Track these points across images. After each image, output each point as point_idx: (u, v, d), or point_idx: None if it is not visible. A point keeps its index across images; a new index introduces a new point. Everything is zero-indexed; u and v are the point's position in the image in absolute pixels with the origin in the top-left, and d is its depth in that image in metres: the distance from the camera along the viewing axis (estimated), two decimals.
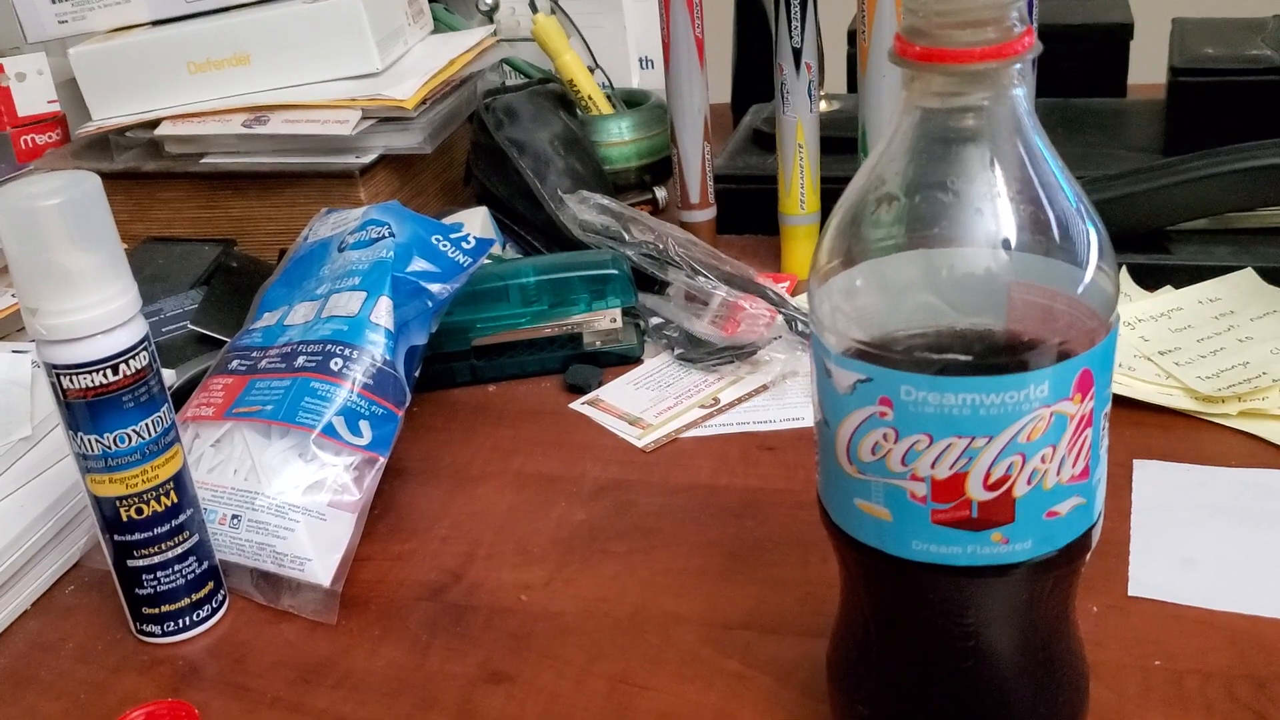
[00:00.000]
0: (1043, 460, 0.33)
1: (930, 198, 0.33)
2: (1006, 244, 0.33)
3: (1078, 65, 0.89)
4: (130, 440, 0.47)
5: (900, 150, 0.34)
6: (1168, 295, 0.66)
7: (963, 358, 0.32)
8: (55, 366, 0.46)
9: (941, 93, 0.33)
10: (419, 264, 0.58)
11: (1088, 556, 0.37)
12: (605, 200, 0.74)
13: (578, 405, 0.66)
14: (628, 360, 0.69)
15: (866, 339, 0.34)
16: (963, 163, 0.33)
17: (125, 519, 0.49)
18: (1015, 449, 0.33)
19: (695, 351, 0.68)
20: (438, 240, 0.60)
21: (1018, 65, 0.32)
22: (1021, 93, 0.32)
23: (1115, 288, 0.34)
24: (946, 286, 0.34)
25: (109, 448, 0.47)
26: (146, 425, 0.48)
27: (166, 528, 0.50)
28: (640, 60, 0.98)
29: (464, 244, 0.60)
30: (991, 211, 0.33)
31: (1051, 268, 0.33)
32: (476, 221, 0.76)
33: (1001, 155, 0.33)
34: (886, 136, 0.34)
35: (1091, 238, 0.34)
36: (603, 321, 0.69)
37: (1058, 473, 0.33)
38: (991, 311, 0.34)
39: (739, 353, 0.67)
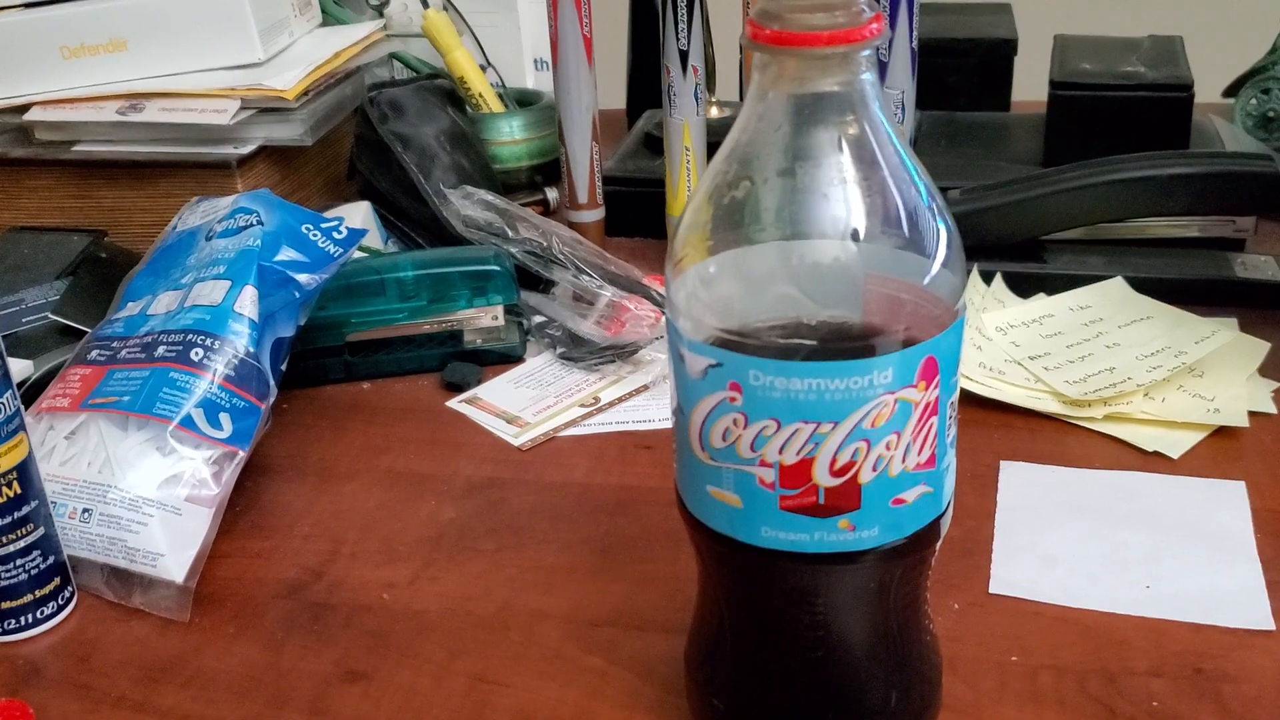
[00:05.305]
0: (887, 447, 0.33)
1: (781, 183, 0.33)
2: (855, 232, 0.33)
3: (963, 79, 0.90)
4: None
5: (753, 136, 0.33)
6: (1040, 302, 0.67)
7: (809, 343, 0.32)
8: None
9: (794, 77, 0.32)
10: (287, 253, 0.57)
11: (937, 546, 0.37)
12: (490, 196, 0.73)
13: (455, 403, 0.65)
14: (509, 359, 0.68)
15: (717, 325, 0.33)
16: (813, 147, 0.33)
17: None
18: (860, 435, 0.33)
19: (578, 351, 0.68)
20: (308, 229, 0.58)
21: (866, 51, 0.32)
22: (871, 78, 0.32)
23: (962, 279, 0.34)
24: (799, 272, 0.34)
25: None
26: None
27: (8, 520, 0.47)
28: (535, 62, 0.97)
29: (335, 233, 0.59)
30: (841, 197, 0.33)
31: (898, 256, 0.33)
32: (358, 216, 0.74)
33: (851, 140, 0.33)
34: (740, 123, 0.34)
35: (940, 229, 0.34)
36: (484, 319, 0.68)
37: (903, 460, 0.33)
38: (846, 301, 0.34)
39: (621, 352, 0.67)
